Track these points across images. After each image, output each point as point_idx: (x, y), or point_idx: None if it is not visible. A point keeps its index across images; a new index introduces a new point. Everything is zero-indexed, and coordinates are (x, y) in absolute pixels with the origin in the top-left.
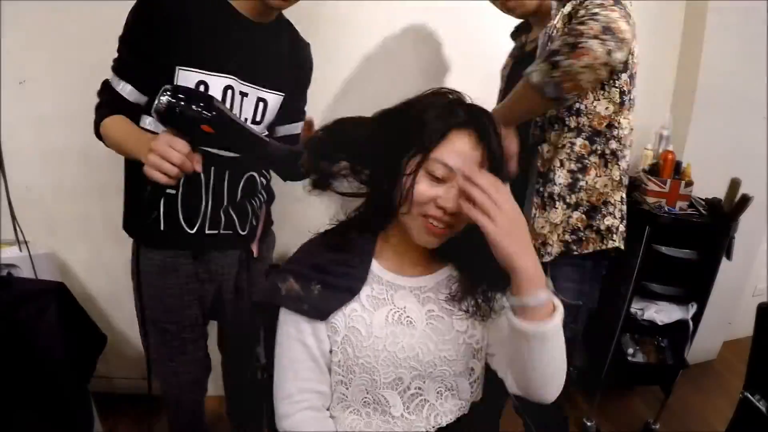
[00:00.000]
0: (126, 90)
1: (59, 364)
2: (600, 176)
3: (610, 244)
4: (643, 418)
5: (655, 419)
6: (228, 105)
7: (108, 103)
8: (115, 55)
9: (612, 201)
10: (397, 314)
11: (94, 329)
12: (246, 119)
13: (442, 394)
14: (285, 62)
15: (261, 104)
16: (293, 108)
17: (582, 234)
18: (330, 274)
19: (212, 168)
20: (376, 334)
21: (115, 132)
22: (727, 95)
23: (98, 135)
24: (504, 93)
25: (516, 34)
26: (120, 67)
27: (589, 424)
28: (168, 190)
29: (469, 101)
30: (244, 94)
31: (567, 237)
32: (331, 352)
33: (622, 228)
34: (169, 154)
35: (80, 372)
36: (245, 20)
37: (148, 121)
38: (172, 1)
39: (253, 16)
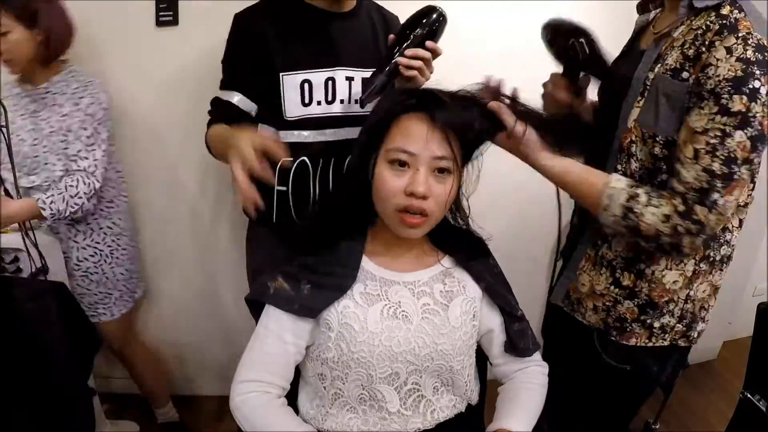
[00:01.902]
0: (235, 99)
1: (60, 364)
2: (671, 269)
3: (658, 343)
4: (643, 418)
5: (655, 419)
6: (331, 93)
7: (217, 115)
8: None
9: (675, 298)
10: (392, 309)
11: (94, 329)
12: (356, 101)
13: (438, 389)
14: (380, 39)
15: None
16: None
17: (628, 325)
18: (319, 273)
19: (320, 159)
20: (371, 330)
21: (214, 139)
22: None
23: (209, 148)
24: (609, 84)
25: (643, 6)
26: (228, 82)
27: None
28: (278, 187)
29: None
30: (350, 79)
31: (609, 320)
32: (311, 347)
33: (679, 327)
34: (245, 153)
35: (81, 372)
36: (327, 14)
37: (265, 130)
38: (260, 19)
39: (331, 8)
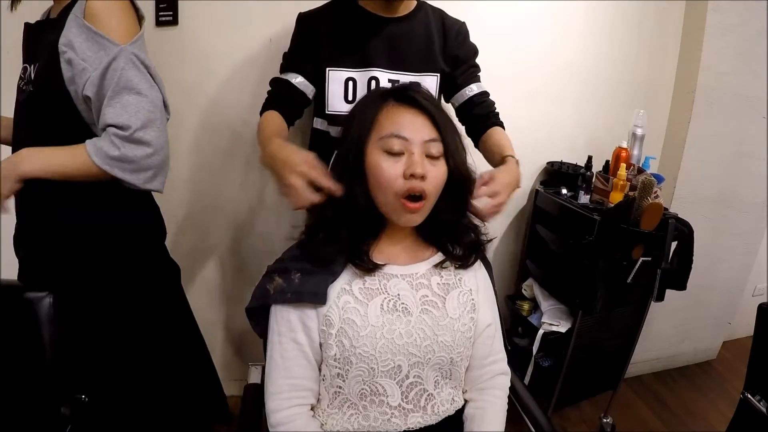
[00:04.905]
0: (295, 80)
1: (61, 365)
2: None
3: None
4: (642, 418)
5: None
6: None
7: (275, 93)
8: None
9: None
10: (392, 302)
11: None
12: None
13: (439, 382)
14: (435, 45)
15: None
16: (459, 78)
17: None
18: (309, 262)
19: None
20: (372, 323)
21: (264, 127)
22: (727, 95)
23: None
24: None
25: None
26: (288, 64)
27: (606, 420)
28: None
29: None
30: (393, 82)
31: None
32: (321, 345)
33: None
34: (315, 175)
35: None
36: (378, 18)
37: (319, 123)
38: (318, 19)
39: (384, 13)
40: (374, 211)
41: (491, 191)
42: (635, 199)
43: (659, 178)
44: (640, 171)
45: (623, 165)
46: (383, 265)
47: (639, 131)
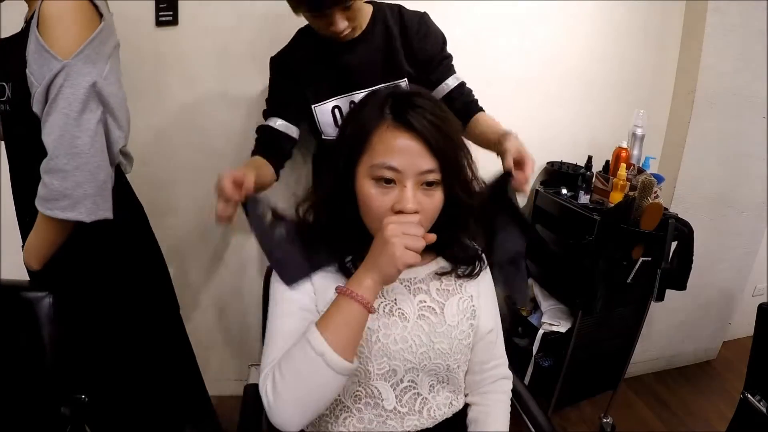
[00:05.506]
0: (277, 123)
1: (61, 365)
2: None
3: None
4: (641, 418)
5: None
6: None
7: (261, 140)
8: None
9: None
10: (389, 306)
11: None
12: None
13: (435, 387)
14: (396, 45)
15: None
16: (433, 76)
17: None
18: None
19: None
20: (368, 326)
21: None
22: (727, 95)
23: None
24: None
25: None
26: (270, 110)
27: (606, 420)
28: None
29: (402, 92)
30: None
31: None
32: None
33: None
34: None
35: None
36: (342, 46)
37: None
38: (289, 57)
39: (343, 38)
40: (365, 228)
41: (528, 165)
42: (635, 199)
43: (659, 178)
44: (640, 171)
45: (623, 165)
46: None
47: (639, 131)
